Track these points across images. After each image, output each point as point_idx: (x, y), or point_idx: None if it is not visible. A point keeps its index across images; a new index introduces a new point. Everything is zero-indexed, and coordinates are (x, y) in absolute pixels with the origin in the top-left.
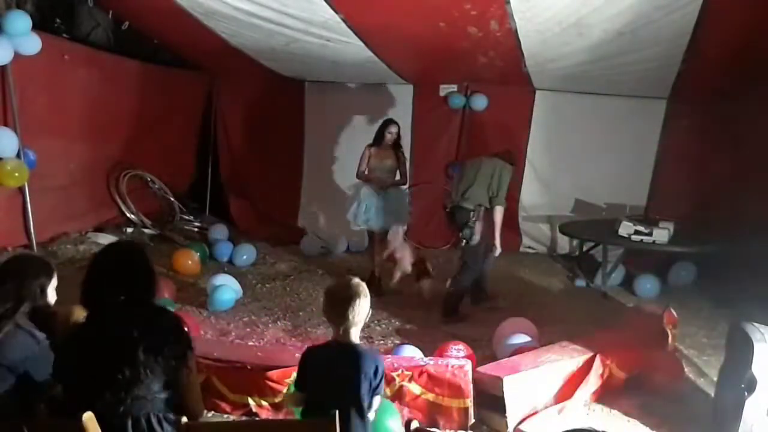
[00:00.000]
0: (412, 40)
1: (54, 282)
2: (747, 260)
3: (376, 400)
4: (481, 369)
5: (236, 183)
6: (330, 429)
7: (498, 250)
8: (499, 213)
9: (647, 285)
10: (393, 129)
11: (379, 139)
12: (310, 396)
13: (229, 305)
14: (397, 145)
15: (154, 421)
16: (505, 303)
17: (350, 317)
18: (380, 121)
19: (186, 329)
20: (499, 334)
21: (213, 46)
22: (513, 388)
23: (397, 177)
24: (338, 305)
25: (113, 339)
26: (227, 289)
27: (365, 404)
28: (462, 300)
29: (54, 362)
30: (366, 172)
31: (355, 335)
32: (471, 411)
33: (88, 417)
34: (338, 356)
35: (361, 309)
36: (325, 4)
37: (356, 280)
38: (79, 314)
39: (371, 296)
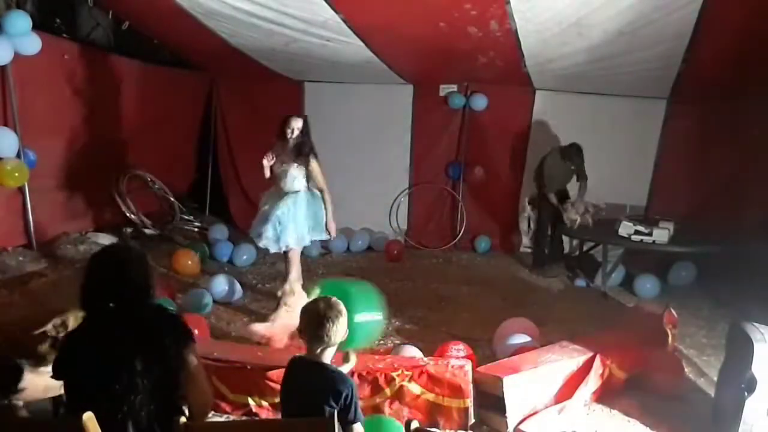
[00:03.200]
0: (412, 40)
1: None
2: (747, 260)
3: (357, 428)
4: (481, 369)
5: (236, 183)
6: (328, 429)
7: None
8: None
9: (647, 285)
10: (293, 124)
11: (281, 138)
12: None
13: (206, 310)
14: (302, 148)
15: (155, 422)
16: None
17: (329, 337)
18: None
19: (186, 326)
20: (499, 334)
21: (213, 46)
22: (513, 388)
23: (308, 187)
24: (317, 324)
25: (111, 347)
26: (204, 292)
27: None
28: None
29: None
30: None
31: (329, 356)
32: (471, 411)
33: (88, 417)
34: (310, 378)
35: (341, 328)
36: (325, 4)
37: (335, 299)
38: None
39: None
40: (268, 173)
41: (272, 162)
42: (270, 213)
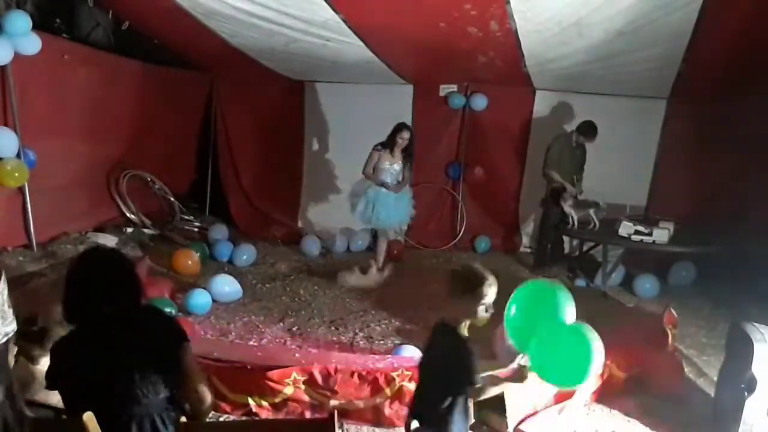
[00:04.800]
0: (412, 40)
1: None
2: (747, 260)
3: None
4: None
5: (236, 183)
6: (329, 429)
7: None
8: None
9: (647, 285)
10: (405, 135)
11: (390, 142)
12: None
13: (206, 310)
14: (408, 151)
15: (158, 421)
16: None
17: (482, 304)
18: (393, 124)
19: (178, 327)
20: (499, 334)
21: (213, 46)
22: (513, 388)
23: (399, 178)
24: (474, 288)
25: (106, 352)
26: (204, 292)
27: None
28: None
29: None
30: (372, 173)
31: (465, 327)
32: (471, 411)
33: (88, 417)
34: (448, 353)
35: (491, 294)
36: (325, 4)
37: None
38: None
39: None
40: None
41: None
42: (373, 200)
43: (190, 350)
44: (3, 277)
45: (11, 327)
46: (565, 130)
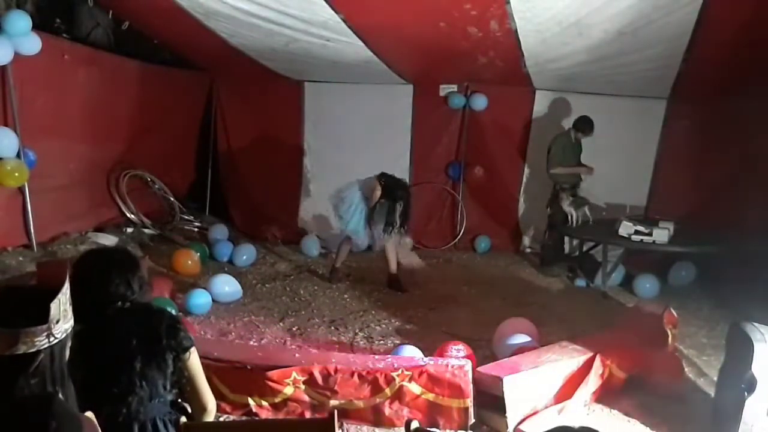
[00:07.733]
0: (412, 40)
1: None
2: (747, 260)
3: None
4: (481, 369)
5: (236, 183)
6: (329, 429)
7: None
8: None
9: (647, 285)
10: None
11: (384, 193)
12: None
13: (206, 310)
14: (406, 212)
15: (160, 424)
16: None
17: None
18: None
19: (184, 328)
20: (499, 334)
21: (213, 46)
22: (513, 388)
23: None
24: None
25: (109, 349)
26: (204, 293)
27: None
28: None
29: None
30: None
31: None
32: (471, 411)
33: (88, 417)
34: None
35: None
36: (325, 4)
37: None
38: None
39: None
40: None
41: None
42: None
43: (195, 353)
44: (66, 279)
45: (70, 323)
46: (564, 129)
